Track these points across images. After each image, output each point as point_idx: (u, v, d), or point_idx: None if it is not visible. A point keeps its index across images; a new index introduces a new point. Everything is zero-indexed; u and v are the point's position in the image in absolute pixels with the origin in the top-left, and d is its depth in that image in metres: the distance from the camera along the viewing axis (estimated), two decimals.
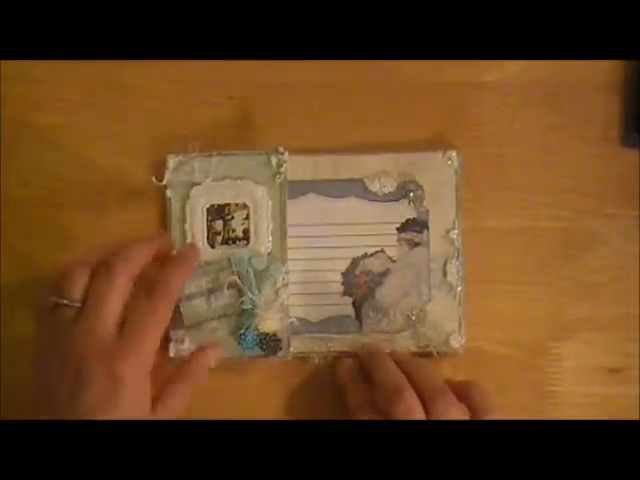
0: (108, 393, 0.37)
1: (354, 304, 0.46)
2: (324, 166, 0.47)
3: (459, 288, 0.46)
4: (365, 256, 0.47)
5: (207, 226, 0.46)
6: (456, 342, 0.46)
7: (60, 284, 0.39)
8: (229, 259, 0.46)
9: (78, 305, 0.38)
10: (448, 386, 0.41)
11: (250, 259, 0.46)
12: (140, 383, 0.38)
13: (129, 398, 0.37)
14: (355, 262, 0.47)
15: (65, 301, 0.38)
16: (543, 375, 0.47)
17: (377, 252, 0.47)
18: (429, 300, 0.46)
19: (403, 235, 0.47)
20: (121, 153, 0.48)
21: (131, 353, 0.37)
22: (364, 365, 0.45)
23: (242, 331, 0.45)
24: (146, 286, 0.40)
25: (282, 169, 0.46)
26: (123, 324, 0.38)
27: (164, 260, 0.42)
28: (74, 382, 0.37)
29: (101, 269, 0.39)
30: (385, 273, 0.46)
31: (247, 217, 0.46)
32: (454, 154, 0.46)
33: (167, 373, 0.41)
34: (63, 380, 0.37)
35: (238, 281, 0.45)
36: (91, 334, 0.38)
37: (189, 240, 0.46)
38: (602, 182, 0.47)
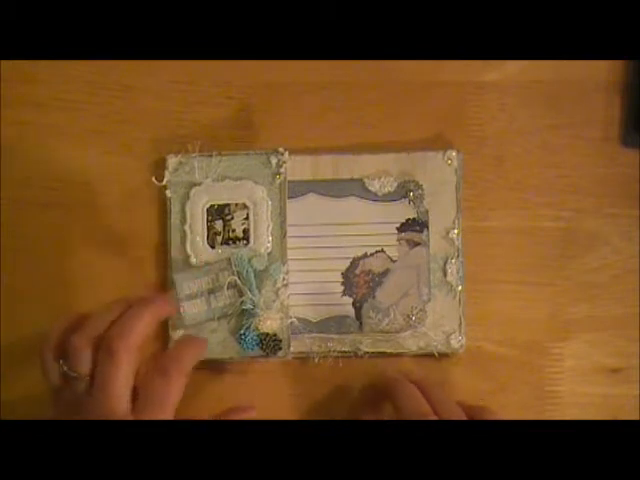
0: None
1: (354, 304, 0.46)
2: (324, 166, 0.47)
3: (459, 288, 0.46)
4: (365, 256, 0.47)
5: (207, 226, 0.46)
6: (456, 342, 0.46)
7: (69, 356, 0.39)
8: (229, 259, 0.46)
9: (87, 379, 0.38)
10: (462, 409, 0.41)
11: (250, 259, 0.46)
12: None
13: None
14: (355, 262, 0.47)
15: (75, 374, 0.38)
16: (543, 375, 0.47)
17: (377, 252, 0.47)
18: (429, 300, 0.46)
19: (403, 235, 0.47)
20: (121, 153, 0.48)
21: None
22: (385, 391, 0.45)
23: (242, 331, 0.45)
24: (158, 363, 0.39)
25: (282, 169, 0.46)
26: (135, 398, 0.38)
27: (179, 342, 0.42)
28: None
29: (103, 350, 0.38)
30: (385, 273, 0.46)
31: (247, 217, 0.46)
32: (454, 154, 0.46)
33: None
34: None
35: (238, 281, 0.45)
36: (103, 411, 0.37)
37: (189, 240, 0.46)
38: (602, 182, 0.47)
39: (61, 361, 0.39)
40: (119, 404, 0.38)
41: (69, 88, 0.48)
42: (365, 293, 0.46)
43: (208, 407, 0.44)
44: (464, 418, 0.40)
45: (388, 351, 0.46)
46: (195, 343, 0.42)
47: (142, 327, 0.39)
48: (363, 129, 0.47)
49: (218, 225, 0.46)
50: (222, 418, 0.43)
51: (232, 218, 0.46)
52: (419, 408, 0.41)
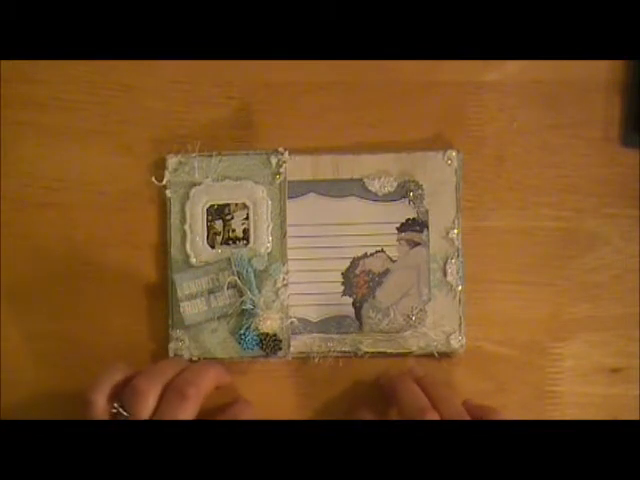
0: None
1: (354, 304, 0.46)
2: (324, 166, 0.47)
3: (459, 288, 0.46)
4: (365, 256, 0.47)
5: (207, 226, 0.46)
6: (456, 342, 0.46)
7: (128, 399, 0.39)
8: (229, 259, 0.46)
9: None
10: (465, 408, 0.41)
11: (250, 259, 0.46)
12: None
13: None
14: (355, 262, 0.47)
15: (129, 416, 0.39)
16: (543, 375, 0.47)
17: (377, 252, 0.47)
18: (429, 300, 0.46)
19: (403, 235, 0.47)
20: (121, 153, 0.48)
21: None
22: (388, 388, 0.45)
23: (242, 331, 0.45)
24: (177, 385, 0.40)
25: (282, 169, 0.46)
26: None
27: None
28: None
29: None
30: (385, 273, 0.46)
31: (247, 217, 0.46)
32: (454, 154, 0.46)
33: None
34: None
35: (238, 281, 0.45)
36: None
37: (189, 240, 0.46)
38: (602, 182, 0.47)
39: (116, 403, 0.40)
40: None
41: (69, 88, 0.48)
42: (365, 293, 0.46)
43: (208, 407, 0.44)
44: (465, 415, 0.40)
45: (388, 351, 0.46)
46: (215, 369, 0.43)
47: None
48: (363, 129, 0.47)
49: (218, 225, 0.46)
50: (221, 413, 0.44)
51: (232, 218, 0.46)
52: (417, 403, 0.41)
